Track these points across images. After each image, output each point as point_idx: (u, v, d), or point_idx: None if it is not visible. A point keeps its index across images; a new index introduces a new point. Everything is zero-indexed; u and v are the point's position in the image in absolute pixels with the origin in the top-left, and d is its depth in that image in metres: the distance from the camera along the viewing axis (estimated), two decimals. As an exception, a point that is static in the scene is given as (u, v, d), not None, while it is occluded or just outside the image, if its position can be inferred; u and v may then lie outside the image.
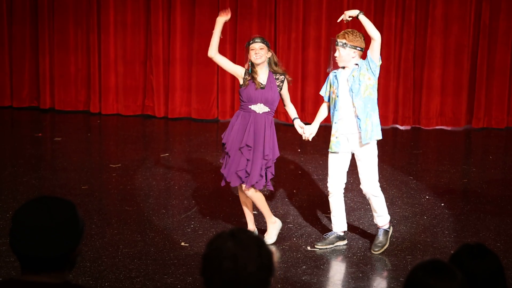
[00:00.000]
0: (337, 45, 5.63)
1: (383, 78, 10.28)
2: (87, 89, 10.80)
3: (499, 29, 10.16)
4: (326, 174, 7.82)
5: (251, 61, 5.77)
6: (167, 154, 8.73)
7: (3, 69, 10.94)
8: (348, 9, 10.29)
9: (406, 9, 10.21)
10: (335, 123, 5.70)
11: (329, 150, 5.78)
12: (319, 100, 10.52)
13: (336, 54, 5.64)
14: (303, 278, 5.18)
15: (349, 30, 5.75)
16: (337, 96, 5.68)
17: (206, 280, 2.20)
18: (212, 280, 2.17)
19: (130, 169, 7.89)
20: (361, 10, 5.77)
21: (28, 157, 8.40)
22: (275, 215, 6.48)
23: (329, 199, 5.85)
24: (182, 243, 5.80)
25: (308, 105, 10.51)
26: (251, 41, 5.84)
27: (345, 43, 5.60)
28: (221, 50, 10.42)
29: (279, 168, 8.19)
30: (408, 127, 10.24)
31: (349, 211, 6.66)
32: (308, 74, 10.49)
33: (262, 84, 5.72)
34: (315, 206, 6.78)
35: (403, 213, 6.59)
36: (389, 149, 9.14)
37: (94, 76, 10.72)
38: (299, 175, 7.87)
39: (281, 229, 6.08)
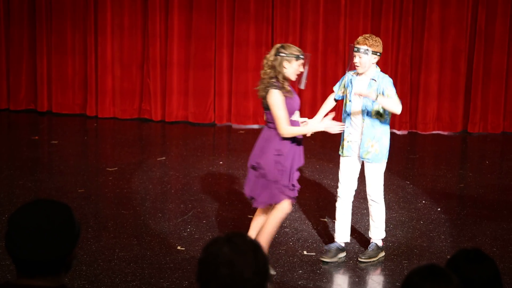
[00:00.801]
0: (359, 51, 5.43)
1: (380, 83, 10.28)
2: (84, 92, 10.79)
3: (495, 34, 10.18)
4: (323, 179, 7.86)
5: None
6: (164, 158, 8.73)
7: (0, 71, 10.92)
8: (345, 14, 10.32)
9: (403, 13, 10.23)
10: (347, 127, 5.56)
11: (340, 154, 5.66)
12: (316, 104, 10.52)
13: (356, 61, 5.44)
14: (299, 282, 5.18)
15: (368, 35, 5.56)
16: (350, 101, 5.55)
17: (202, 286, 2.20)
18: (208, 286, 2.17)
19: (127, 173, 7.88)
20: (376, 97, 5.36)
21: (24, 160, 8.39)
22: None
23: (336, 204, 5.70)
24: (179, 247, 5.79)
25: (305, 109, 10.51)
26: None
27: (367, 49, 5.41)
28: (218, 54, 10.53)
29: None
30: (405, 132, 10.25)
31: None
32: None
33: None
34: (311, 211, 6.78)
35: (399, 218, 6.59)
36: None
37: (91, 79, 10.71)
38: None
39: (278, 234, 6.08)
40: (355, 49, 5.46)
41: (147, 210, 6.71)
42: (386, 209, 6.41)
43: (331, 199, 7.15)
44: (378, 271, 5.48)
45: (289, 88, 5.19)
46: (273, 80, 5.13)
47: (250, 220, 6.41)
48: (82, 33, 10.67)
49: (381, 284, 5.31)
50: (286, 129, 5.09)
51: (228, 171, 8.21)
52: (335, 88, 5.81)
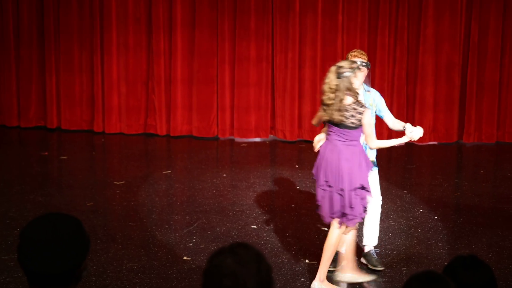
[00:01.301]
0: (367, 66, 5.40)
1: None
2: (91, 108, 10.81)
3: (488, 47, 10.21)
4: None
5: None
6: (169, 171, 8.73)
7: (10, 90, 10.96)
8: (343, 31, 10.35)
9: (399, 29, 10.26)
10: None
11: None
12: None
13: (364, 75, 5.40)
14: (302, 290, 5.17)
15: (358, 50, 5.56)
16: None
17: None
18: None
19: (134, 186, 7.89)
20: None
21: (35, 175, 8.41)
22: (274, 229, 6.49)
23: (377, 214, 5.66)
24: (185, 257, 5.79)
25: (305, 122, 10.52)
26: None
27: (368, 63, 5.44)
28: (220, 70, 10.55)
29: (278, 183, 8.21)
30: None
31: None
32: (305, 93, 10.51)
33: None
34: (313, 220, 6.77)
35: (398, 226, 6.58)
36: (384, 164, 9.13)
37: (97, 96, 10.74)
38: (297, 190, 7.87)
39: (280, 243, 6.08)
40: (368, 64, 5.41)
41: (154, 221, 6.71)
42: (384, 218, 6.44)
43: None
44: (378, 277, 5.46)
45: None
46: (349, 101, 5.03)
47: (253, 230, 6.42)
48: (89, 52, 10.71)
49: (381, 290, 5.30)
50: (377, 143, 5.21)
51: (232, 183, 8.21)
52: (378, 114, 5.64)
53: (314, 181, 8.20)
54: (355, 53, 5.47)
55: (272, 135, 10.65)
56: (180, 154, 9.85)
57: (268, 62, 10.52)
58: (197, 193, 7.66)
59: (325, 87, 5.09)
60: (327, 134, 5.21)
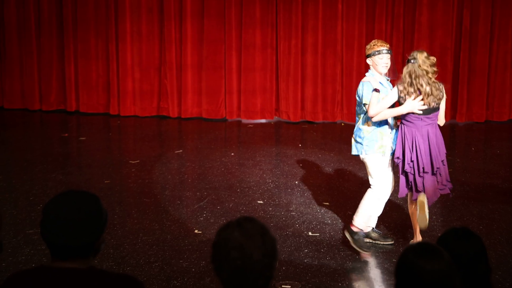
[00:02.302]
0: (390, 53, 5.28)
1: (374, 79, 10.26)
2: (107, 93, 10.81)
3: (478, 33, 10.14)
4: (324, 167, 7.85)
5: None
6: (181, 151, 8.73)
7: (32, 76, 10.97)
8: (342, 19, 10.29)
9: (395, 17, 10.19)
10: (392, 129, 5.30)
11: (381, 153, 5.24)
12: (317, 100, 10.50)
13: (388, 62, 5.29)
14: (305, 260, 5.18)
15: (378, 40, 5.42)
16: (393, 105, 5.17)
17: (215, 267, 2.20)
18: (221, 268, 2.17)
19: (148, 165, 7.90)
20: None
21: (56, 155, 8.42)
22: (279, 204, 6.49)
23: (383, 200, 5.36)
24: (196, 231, 5.80)
25: (307, 104, 10.50)
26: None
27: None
28: (228, 56, 10.52)
29: (282, 161, 8.21)
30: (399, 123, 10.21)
31: (346, 199, 6.66)
32: (307, 77, 10.47)
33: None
34: (315, 195, 6.78)
35: (394, 201, 6.57)
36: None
37: (113, 82, 10.73)
38: (300, 167, 7.86)
39: (285, 217, 6.09)
40: (385, 50, 5.28)
41: (167, 198, 6.72)
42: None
43: (332, 184, 7.15)
44: (376, 248, 5.47)
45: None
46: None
47: (259, 205, 6.43)
48: (105, 40, 10.69)
49: (379, 259, 5.30)
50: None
51: (239, 161, 8.21)
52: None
53: (316, 159, 8.22)
54: (380, 43, 5.32)
55: (276, 117, 10.63)
56: (190, 135, 9.85)
57: (273, 49, 10.48)
58: (207, 171, 7.66)
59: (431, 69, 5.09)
60: (411, 122, 5.06)
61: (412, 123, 5.07)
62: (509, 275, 4.85)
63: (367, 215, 5.29)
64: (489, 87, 10.30)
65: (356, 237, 5.27)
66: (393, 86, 5.26)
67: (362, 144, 5.26)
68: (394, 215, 6.23)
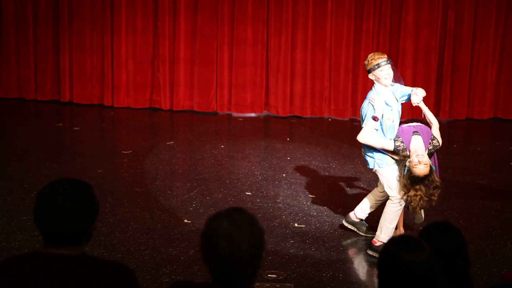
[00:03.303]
0: (390, 62, 5.13)
1: (362, 76, 10.28)
2: (101, 84, 10.76)
3: (462, 33, 10.17)
4: (311, 160, 7.86)
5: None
6: (172, 142, 8.71)
7: (28, 66, 10.89)
8: (332, 17, 10.28)
9: (382, 15, 10.19)
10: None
11: (390, 164, 5.13)
12: (305, 95, 10.49)
13: (390, 73, 5.10)
14: (291, 251, 5.19)
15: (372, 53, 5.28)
16: (393, 121, 5.14)
17: (204, 256, 2.20)
18: (210, 257, 2.17)
19: (140, 155, 7.87)
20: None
21: (50, 145, 8.38)
22: (267, 196, 6.50)
23: (399, 210, 5.19)
24: (185, 220, 5.80)
25: (296, 100, 10.50)
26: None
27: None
28: (220, 51, 10.49)
29: (270, 155, 8.21)
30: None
31: (331, 193, 6.66)
32: (296, 73, 10.47)
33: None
34: (302, 188, 6.78)
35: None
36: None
37: (107, 74, 10.68)
38: (288, 160, 7.87)
39: (272, 209, 6.09)
40: (385, 62, 5.10)
41: (158, 188, 6.71)
42: (367, 187, 6.41)
43: (318, 178, 7.15)
44: (361, 240, 5.48)
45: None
46: None
47: (247, 196, 6.43)
48: (100, 33, 10.63)
49: (362, 251, 5.32)
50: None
51: (229, 153, 8.21)
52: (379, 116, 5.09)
53: (303, 153, 8.21)
54: (377, 56, 5.14)
55: (266, 111, 10.62)
56: (182, 127, 9.82)
57: (263, 45, 10.46)
58: (197, 163, 7.65)
59: None
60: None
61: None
62: (487, 268, 4.89)
63: (391, 228, 5.14)
64: (470, 85, 10.35)
65: (379, 248, 5.08)
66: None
67: (374, 158, 5.13)
68: (379, 210, 6.24)
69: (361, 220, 5.51)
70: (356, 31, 10.22)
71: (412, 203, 4.93)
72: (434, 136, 5.12)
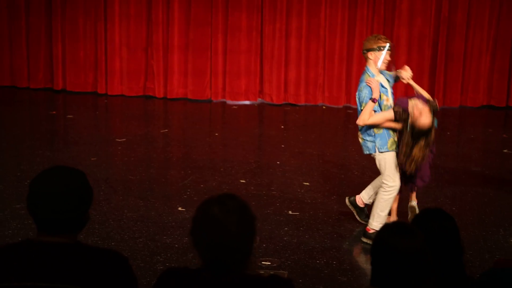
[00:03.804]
0: (390, 49, 5.07)
1: (356, 64, 10.28)
2: (95, 72, 10.73)
3: (456, 21, 10.17)
4: (306, 148, 7.86)
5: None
6: (166, 130, 8.70)
7: (21, 54, 10.84)
8: (326, 4, 10.25)
9: (376, 3, 10.18)
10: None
11: (390, 149, 5.06)
12: (299, 83, 10.49)
13: (389, 58, 5.05)
14: (285, 238, 5.20)
15: (377, 35, 5.23)
16: (389, 102, 5.08)
17: (194, 240, 2.21)
18: (199, 241, 2.18)
19: (134, 143, 7.86)
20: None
21: (43, 132, 8.35)
22: (261, 184, 6.51)
23: (392, 197, 5.14)
24: (179, 208, 5.80)
25: (290, 87, 10.50)
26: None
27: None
28: (214, 39, 10.46)
29: (265, 142, 8.21)
30: (377, 107, 10.25)
31: (325, 180, 6.68)
32: (291, 60, 10.46)
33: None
34: (296, 176, 6.79)
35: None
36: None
37: (101, 61, 10.65)
38: (282, 148, 7.88)
39: (266, 196, 6.11)
40: (389, 46, 5.05)
41: (152, 176, 6.71)
42: (359, 174, 6.42)
43: (312, 165, 7.16)
44: (354, 227, 5.50)
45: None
46: None
47: (241, 184, 6.44)
48: (93, 21, 10.58)
49: (356, 238, 5.34)
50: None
51: (223, 141, 8.20)
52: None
53: (297, 141, 8.22)
54: (384, 38, 5.11)
55: (260, 98, 10.61)
56: (176, 115, 9.81)
57: (258, 32, 10.44)
58: (191, 151, 7.65)
59: None
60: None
61: None
62: (479, 254, 4.92)
63: (383, 216, 5.13)
64: (464, 73, 10.37)
65: (373, 235, 5.04)
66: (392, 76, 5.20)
67: (374, 142, 5.07)
68: (373, 196, 6.26)
69: (365, 206, 5.50)
70: (350, 18, 10.20)
71: (411, 164, 4.92)
72: (429, 99, 5.09)
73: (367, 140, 5.12)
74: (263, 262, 4.70)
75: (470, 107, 10.38)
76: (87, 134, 8.30)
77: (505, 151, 7.96)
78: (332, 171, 6.96)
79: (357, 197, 5.51)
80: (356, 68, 10.20)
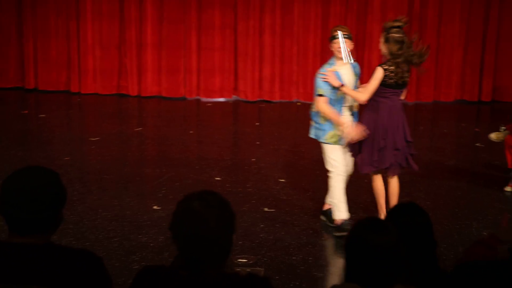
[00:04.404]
0: (349, 37, 5.10)
1: (329, 60, 10.33)
2: (67, 71, 10.63)
3: (428, 16, 10.28)
4: (281, 144, 7.88)
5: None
6: (141, 128, 8.66)
7: (-9, 53, 10.70)
8: (299, 0, 10.27)
9: (349, -1, 10.24)
10: (352, 115, 5.27)
11: (334, 143, 5.18)
12: (274, 79, 10.51)
13: (349, 47, 5.09)
14: (261, 235, 5.21)
15: (338, 26, 5.29)
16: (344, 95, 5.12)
17: (173, 234, 2.21)
18: (178, 234, 2.18)
19: (108, 142, 7.81)
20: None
21: (16, 132, 8.25)
22: (236, 181, 6.51)
23: (338, 183, 5.25)
24: (155, 207, 5.78)
25: (265, 84, 10.51)
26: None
27: (350, 36, 5.18)
28: (187, 36, 10.42)
29: (240, 139, 8.21)
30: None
31: (301, 176, 6.70)
32: (265, 57, 10.47)
33: None
34: (272, 172, 6.81)
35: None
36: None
37: (73, 60, 10.55)
38: (257, 145, 7.88)
39: (242, 193, 6.11)
40: (348, 36, 5.12)
41: (127, 174, 6.67)
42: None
43: (288, 162, 7.18)
44: (329, 224, 5.53)
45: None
46: None
47: (217, 181, 6.43)
48: (65, 18, 10.47)
49: (331, 234, 5.37)
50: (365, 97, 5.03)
51: (198, 139, 8.18)
52: (326, 93, 5.10)
53: (272, 137, 8.23)
54: (338, 28, 5.19)
55: (234, 96, 10.61)
56: (150, 113, 9.76)
57: (231, 29, 10.42)
58: (166, 148, 7.62)
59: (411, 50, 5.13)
60: (384, 97, 5.03)
61: (388, 98, 5.06)
62: (453, 248, 4.98)
63: (342, 204, 5.20)
64: (437, 68, 10.48)
65: (343, 226, 5.15)
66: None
67: (319, 130, 5.22)
68: (347, 192, 6.30)
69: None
70: (324, 14, 10.24)
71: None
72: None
73: (313, 126, 5.29)
74: (239, 260, 4.70)
75: (444, 102, 10.49)
76: (60, 133, 8.22)
77: (477, 144, 8.07)
78: (307, 167, 6.98)
79: (338, 221, 5.35)
80: (330, 64, 10.25)
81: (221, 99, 10.48)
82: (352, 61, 5.22)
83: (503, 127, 6.49)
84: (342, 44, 5.12)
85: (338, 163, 5.23)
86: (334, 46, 5.17)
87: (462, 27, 10.38)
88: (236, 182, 6.47)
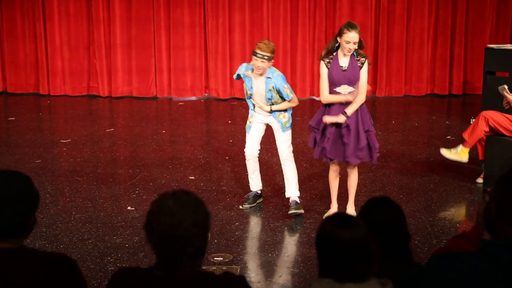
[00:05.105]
0: (263, 58, 5.29)
1: (300, 56, 10.37)
2: (36, 73, 10.51)
3: (396, 11, 10.37)
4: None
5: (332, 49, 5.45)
6: (112, 129, 8.59)
7: (-44, 56, 10.51)
8: (268, -4, 10.29)
9: (318, -5, 10.28)
10: (252, 109, 5.69)
11: (247, 127, 5.83)
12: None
13: (259, 65, 5.30)
14: (236, 233, 5.22)
15: (267, 41, 5.46)
16: (251, 94, 5.52)
17: (147, 233, 2.21)
18: (152, 233, 2.18)
19: (79, 144, 7.74)
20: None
21: (-16, 136, 8.13)
22: (210, 179, 6.50)
23: (248, 162, 5.80)
24: (129, 208, 5.75)
25: (236, 82, 10.49)
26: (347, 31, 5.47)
27: (270, 57, 5.35)
28: (157, 35, 10.37)
29: (213, 138, 8.20)
30: (323, 98, 10.36)
31: (273, 173, 6.72)
32: (235, 54, 10.47)
33: (343, 66, 5.26)
34: (245, 170, 6.81)
35: (320, 173, 6.69)
36: (308, 118, 9.24)
37: (42, 61, 10.43)
38: (230, 143, 7.88)
39: (216, 192, 6.10)
40: (259, 55, 5.29)
41: (99, 176, 6.62)
42: (308, 166, 6.51)
43: (261, 159, 7.17)
44: (300, 220, 5.56)
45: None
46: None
47: (191, 180, 6.42)
48: (32, 20, 10.34)
49: (306, 230, 5.40)
50: (323, 96, 5.24)
51: (171, 138, 8.15)
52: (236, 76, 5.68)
53: (244, 135, 8.23)
54: (260, 45, 5.35)
55: (206, 94, 10.59)
56: (121, 113, 9.69)
57: (201, 27, 10.40)
58: (139, 149, 7.58)
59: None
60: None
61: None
62: (427, 240, 5.04)
63: (255, 178, 5.80)
64: (407, 63, 10.58)
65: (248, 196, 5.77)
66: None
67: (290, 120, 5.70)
68: (320, 186, 6.35)
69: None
70: (293, 10, 10.27)
71: None
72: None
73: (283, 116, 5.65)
74: (215, 258, 4.70)
75: (415, 96, 10.60)
76: (30, 136, 8.12)
77: (448, 137, 8.18)
78: (279, 164, 6.98)
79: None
80: (300, 60, 10.29)
81: (193, 98, 10.46)
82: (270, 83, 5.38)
83: (473, 119, 6.58)
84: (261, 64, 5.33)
85: (247, 145, 5.76)
86: (253, 62, 5.35)
87: (430, 21, 10.50)
88: (210, 180, 6.47)
